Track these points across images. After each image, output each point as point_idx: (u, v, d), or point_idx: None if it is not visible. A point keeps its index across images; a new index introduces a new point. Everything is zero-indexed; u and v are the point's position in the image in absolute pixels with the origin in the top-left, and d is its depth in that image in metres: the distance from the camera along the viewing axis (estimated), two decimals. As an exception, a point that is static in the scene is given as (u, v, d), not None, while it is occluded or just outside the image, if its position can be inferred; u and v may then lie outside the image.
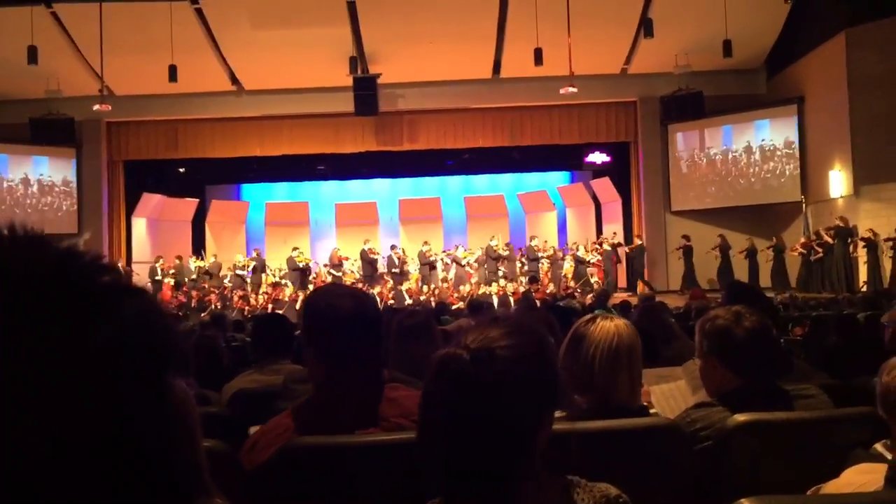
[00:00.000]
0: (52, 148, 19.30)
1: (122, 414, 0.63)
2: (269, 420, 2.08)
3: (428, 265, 19.06)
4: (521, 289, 17.09)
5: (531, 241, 19.54)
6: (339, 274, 19.08)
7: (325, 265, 19.45)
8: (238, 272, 19.33)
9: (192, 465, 1.50)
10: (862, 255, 15.51)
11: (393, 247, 19.63)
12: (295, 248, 19.48)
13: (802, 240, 17.01)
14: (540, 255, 19.23)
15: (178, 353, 0.70)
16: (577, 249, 19.02)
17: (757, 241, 18.15)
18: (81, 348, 0.61)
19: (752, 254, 17.96)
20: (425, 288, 18.52)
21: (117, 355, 0.63)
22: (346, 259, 19.58)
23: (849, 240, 15.72)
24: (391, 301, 17.49)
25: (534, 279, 18.10)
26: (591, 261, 18.85)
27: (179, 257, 19.65)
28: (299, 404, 2.06)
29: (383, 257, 19.60)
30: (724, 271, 17.92)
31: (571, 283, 18.34)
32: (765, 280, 17.45)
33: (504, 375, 1.20)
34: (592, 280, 18.55)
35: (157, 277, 19.02)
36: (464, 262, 19.32)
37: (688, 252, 18.53)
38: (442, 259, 19.70)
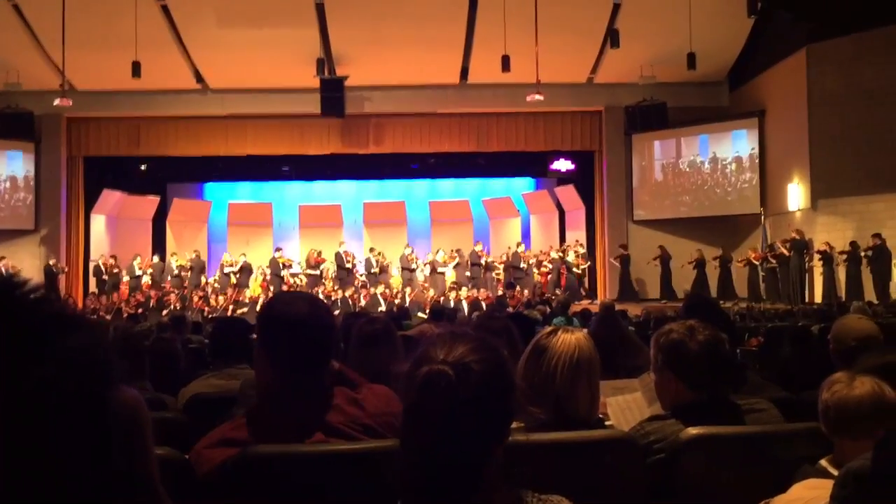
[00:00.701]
0: (9, 142, 18.90)
1: (58, 439, 0.62)
2: (216, 428, 2.05)
3: (409, 269, 19.22)
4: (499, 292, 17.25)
5: (476, 247, 19.87)
6: (317, 274, 19.08)
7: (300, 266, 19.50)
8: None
9: (140, 475, 1.48)
10: (818, 267, 15.82)
11: (372, 249, 19.68)
12: (278, 249, 19.50)
13: (752, 253, 17.38)
14: (523, 264, 19.50)
15: (116, 382, 0.70)
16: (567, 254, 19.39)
17: (715, 251, 18.40)
18: (15, 388, 0.61)
19: (700, 264, 18.21)
20: (408, 290, 18.58)
21: (54, 393, 0.62)
22: (324, 261, 19.55)
23: (804, 252, 16.01)
24: (362, 304, 17.49)
25: (511, 285, 18.21)
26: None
27: (157, 255, 19.64)
28: (248, 411, 2.05)
29: (360, 261, 19.66)
30: (699, 282, 18.09)
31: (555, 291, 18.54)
32: (714, 290, 17.72)
33: (479, 388, 1.29)
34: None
35: (136, 274, 18.81)
36: (440, 270, 19.44)
37: (665, 261, 18.65)
38: (420, 263, 19.88)
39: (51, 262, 18.42)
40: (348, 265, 19.34)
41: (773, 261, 16.76)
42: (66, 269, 18.80)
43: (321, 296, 17.59)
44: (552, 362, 2.18)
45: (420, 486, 1.32)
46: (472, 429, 1.28)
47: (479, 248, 19.82)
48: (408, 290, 18.73)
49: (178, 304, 17.45)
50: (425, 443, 1.31)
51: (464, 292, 17.77)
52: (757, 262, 17.39)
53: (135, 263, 19.14)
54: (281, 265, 19.19)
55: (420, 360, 1.35)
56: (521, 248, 19.96)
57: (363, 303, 17.71)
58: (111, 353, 0.93)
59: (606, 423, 2.46)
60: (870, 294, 14.62)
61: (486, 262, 19.68)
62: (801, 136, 16.42)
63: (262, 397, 2.05)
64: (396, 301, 17.93)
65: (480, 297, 17.48)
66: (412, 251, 19.86)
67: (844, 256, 15.23)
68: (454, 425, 1.28)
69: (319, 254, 19.61)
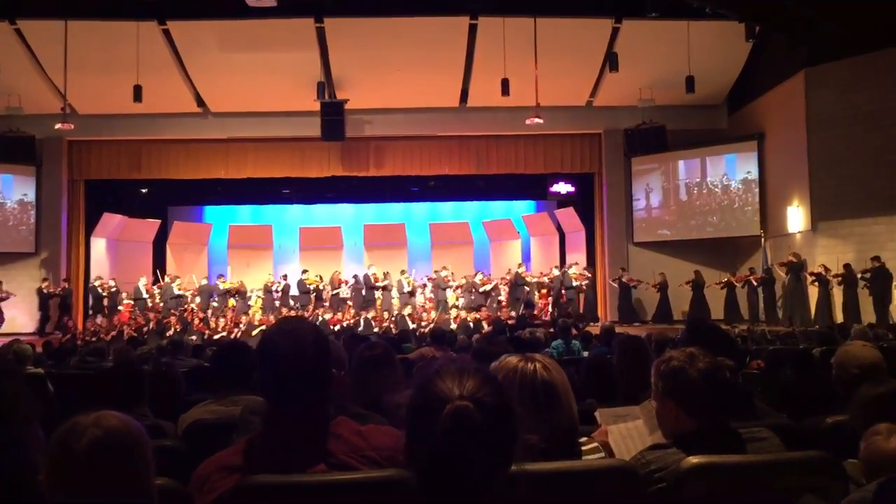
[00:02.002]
0: (11, 165, 18.96)
1: None
2: (216, 454, 2.05)
3: (409, 292, 19.36)
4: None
5: (476, 277, 19.84)
6: (343, 297, 19.34)
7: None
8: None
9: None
10: (813, 289, 15.88)
11: (403, 271, 20.05)
12: (304, 271, 19.62)
13: (731, 276, 17.85)
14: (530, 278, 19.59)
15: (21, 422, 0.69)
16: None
17: (714, 273, 18.39)
18: None
19: (697, 286, 18.21)
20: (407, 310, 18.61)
21: None
22: (346, 283, 19.60)
23: (800, 274, 16.09)
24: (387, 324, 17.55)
25: (530, 304, 18.18)
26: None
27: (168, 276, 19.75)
28: (249, 438, 2.04)
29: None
30: (698, 305, 18.09)
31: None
32: (716, 312, 17.70)
33: (494, 420, 1.40)
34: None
35: (142, 296, 18.77)
36: (442, 286, 19.48)
37: (663, 288, 18.66)
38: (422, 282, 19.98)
39: (42, 285, 18.39)
40: (380, 285, 19.47)
41: (756, 282, 17.13)
42: (55, 292, 18.57)
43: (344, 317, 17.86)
44: (531, 391, 2.15)
45: None
46: (487, 458, 1.39)
47: (479, 277, 19.80)
48: (407, 309, 18.68)
49: (178, 327, 17.40)
50: (447, 472, 1.39)
51: (463, 314, 17.77)
52: (738, 284, 17.67)
53: (140, 285, 19.09)
54: (309, 286, 19.32)
55: (431, 394, 1.43)
56: (522, 268, 19.92)
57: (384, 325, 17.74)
58: (14, 390, 0.90)
59: (592, 456, 2.43)
60: (868, 315, 14.61)
61: (485, 290, 19.59)
62: (800, 159, 16.47)
63: (263, 425, 2.05)
64: (423, 322, 17.87)
65: (481, 317, 17.45)
66: (409, 274, 19.99)
67: (839, 279, 15.25)
68: (474, 455, 1.38)
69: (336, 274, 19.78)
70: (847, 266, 15.18)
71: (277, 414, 1.98)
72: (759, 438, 2.34)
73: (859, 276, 15.01)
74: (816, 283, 15.69)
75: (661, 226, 19.83)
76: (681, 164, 19.61)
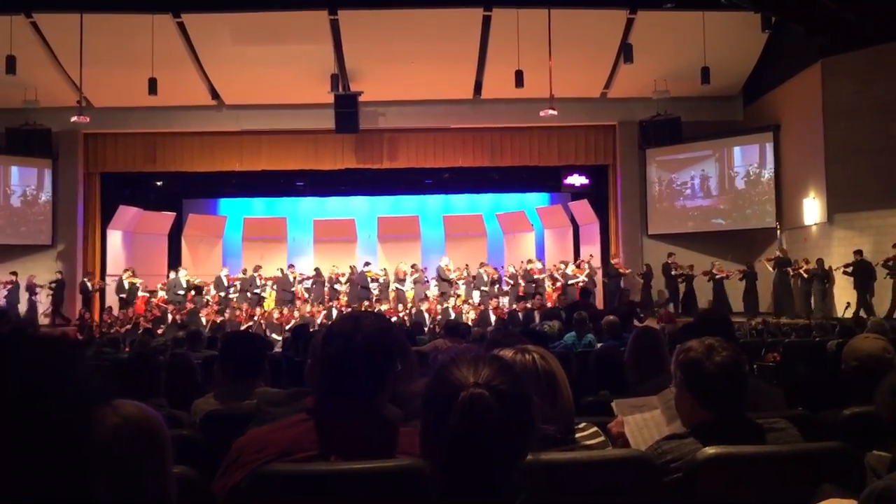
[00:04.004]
0: (28, 158, 19.10)
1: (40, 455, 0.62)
2: (262, 427, 2.06)
3: (447, 281, 19.54)
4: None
5: (484, 269, 19.97)
6: (403, 289, 19.49)
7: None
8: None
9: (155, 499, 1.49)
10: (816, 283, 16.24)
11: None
12: (367, 264, 19.77)
13: (717, 269, 18.07)
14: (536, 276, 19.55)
15: (94, 403, 0.69)
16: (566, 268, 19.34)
17: (729, 265, 18.29)
18: None
19: (688, 278, 18.27)
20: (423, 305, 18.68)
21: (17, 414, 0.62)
22: (409, 274, 19.83)
23: (786, 269, 16.66)
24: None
25: (531, 296, 18.21)
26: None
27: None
28: (295, 421, 2.03)
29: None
30: (717, 297, 18.06)
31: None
32: (737, 305, 17.64)
33: (509, 408, 1.39)
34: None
35: (179, 291, 18.95)
36: (445, 278, 19.52)
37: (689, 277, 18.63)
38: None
39: (57, 276, 18.53)
40: (451, 277, 19.73)
41: (740, 273, 17.56)
42: (42, 287, 18.65)
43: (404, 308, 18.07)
44: (534, 381, 2.16)
45: (451, 501, 1.40)
46: (503, 446, 1.38)
47: (489, 269, 19.83)
48: (423, 304, 18.72)
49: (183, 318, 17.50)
50: (464, 461, 1.38)
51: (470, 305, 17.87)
52: (721, 276, 17.84)
53: (180, 277, 19.23)
54: (368, 279, 19.49)
55: (446, 382, 1.42)
56: (532, 264, 19.85)
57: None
58: (87, 373, 0.90)
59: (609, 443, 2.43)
60: (882, 306, 14.73)
61: (498, 277, 19.61)
62: (816, 150, 16.34)
63: (315, 412, 2.03)
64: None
65: (491, 307, 17.49)
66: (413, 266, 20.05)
67: (849, 269, 15.26)
68: (491, 444, 1.37)
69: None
70: (858, 252, 15.12)
71: (334, 403, 1.99)
72: (776, 429, 2.32)
73: (879, 265, 14.97)
74: (798, 279, 16.36)
75: (677, 217, 19.72)
76: (696, 155, 19.49)
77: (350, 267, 19.90)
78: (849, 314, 13.80)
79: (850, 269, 15.11)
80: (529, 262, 20.03)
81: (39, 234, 19.31)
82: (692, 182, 19.57)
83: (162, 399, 3.77)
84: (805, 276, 16.24)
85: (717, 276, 17.94)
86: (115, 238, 20.43)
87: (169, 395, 3.96)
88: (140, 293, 19.16)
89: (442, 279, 19.64)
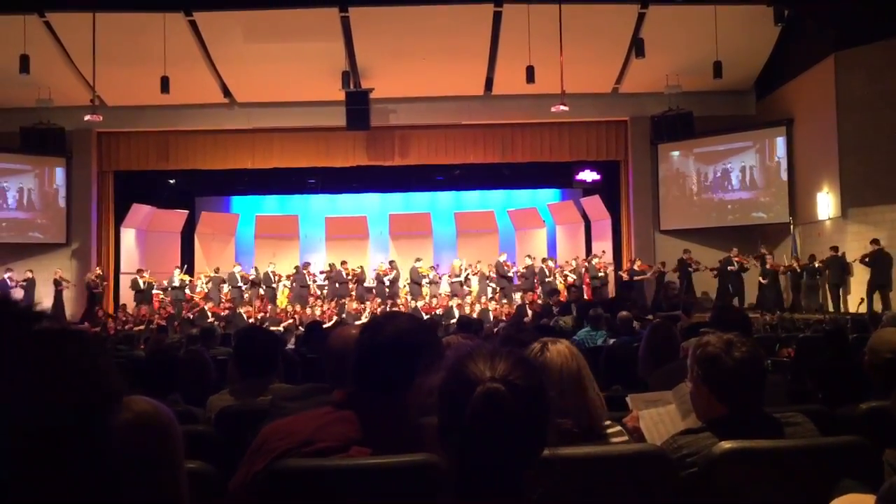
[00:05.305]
0: (41, 157, 19.22)
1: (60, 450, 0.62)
2: (287, 417, 2.10)
3: (417, 283, 19.40)
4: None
5: (500, 257, 20.08)
6: (459, 282, 19.81)
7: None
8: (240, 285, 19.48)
9: (166, 497, 1.49)
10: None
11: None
12: (418, 259, 19.83)
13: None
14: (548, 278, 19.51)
15: (114, 399, 0.69)
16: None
17: (744, 260, 18.19)
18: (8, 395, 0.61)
19: (722, 273, 18.08)
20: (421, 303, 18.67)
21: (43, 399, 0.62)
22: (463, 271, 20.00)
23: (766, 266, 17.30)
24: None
25: (553, 292, 18.14)
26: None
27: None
28: (321, 413, 2.06)
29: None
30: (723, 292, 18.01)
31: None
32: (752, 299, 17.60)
33: (525, 403, 1.38)
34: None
35: (240, 285, 19.23)
36: (455, 279, 19.53)
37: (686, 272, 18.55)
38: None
39: (56, 276, 18.53)
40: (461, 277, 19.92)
41: (731, 269, 17.74)
42: (68, 283, 18.80)
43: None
44: (557, 377, 2.17)
45: (468, 495, 1.40)
46: (519, 441, 1.37)
47: (503, 257, 19.80)
48: (420, 303, 18.74)
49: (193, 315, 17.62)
50: (480, 456, 1.38)
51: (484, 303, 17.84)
52: (739, 263, 17.88)
53: (236, 272, 19.45)
54: (421, 275, 19.58)
55: (462, 376, 1.41)
56: (545, 263, 19.81)
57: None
58: (107, 368, 0.90)
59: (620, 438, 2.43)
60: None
61: (514, 272, 19.64)
62: (830, 145, 16.22)
63: (346, 406, 2.06)
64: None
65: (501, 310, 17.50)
66: (422, 264, 20.03)
67: (868, 259, 15.19)
68: (507, 439, 1.36)
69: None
70: (875, 241, 15.02)
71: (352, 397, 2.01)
72: (792, 423, 2.31)
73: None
74: (767, 276, 17.14)
75: (689, 213, 19.64)
76: (709, 150, 19.40)
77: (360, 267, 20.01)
78: (863, 309, 13.71)
79: (867, 259, 14.97)
80: (544, 260, 19.96)
81: (54, 233, 19.46)
82: (705, 177, 19.47)
83: (177, 395, 3.79)
84: (782, 272, 17.03)
85: (737, 262, 17.86)
86: (128, 236, 20.54)
87: (184, 392, 3.98)
88: (154, 290, 19.24)
89: (454, 280, 19.67)
